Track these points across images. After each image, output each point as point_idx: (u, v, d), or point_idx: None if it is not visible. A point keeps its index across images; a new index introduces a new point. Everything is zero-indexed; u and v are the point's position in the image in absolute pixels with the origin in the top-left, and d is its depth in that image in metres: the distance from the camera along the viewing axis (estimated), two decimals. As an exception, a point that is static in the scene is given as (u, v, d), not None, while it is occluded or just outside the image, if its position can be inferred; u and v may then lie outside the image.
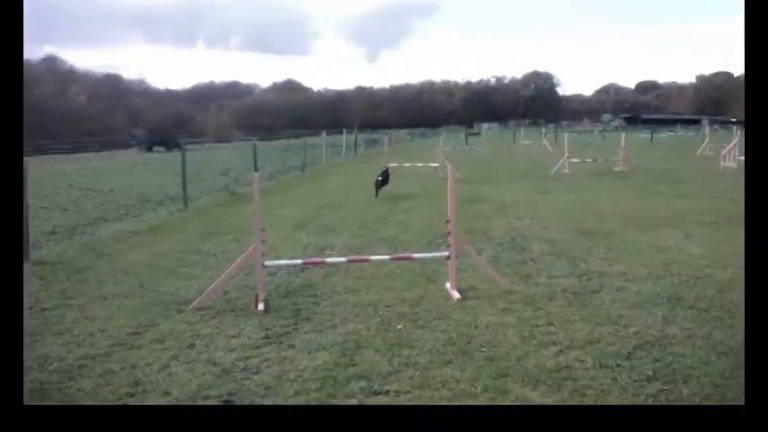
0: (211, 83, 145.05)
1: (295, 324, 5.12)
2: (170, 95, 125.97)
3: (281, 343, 4.68)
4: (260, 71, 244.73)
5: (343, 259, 6.62)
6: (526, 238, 8.63)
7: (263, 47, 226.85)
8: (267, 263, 5.85)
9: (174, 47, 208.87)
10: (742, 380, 3.82)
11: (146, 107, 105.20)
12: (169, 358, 4.43)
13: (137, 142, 53.26)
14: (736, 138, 20.98)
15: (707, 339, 4.54)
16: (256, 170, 17.00)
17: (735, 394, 3.65)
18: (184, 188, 13.35)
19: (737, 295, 5.62)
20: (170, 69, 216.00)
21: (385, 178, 14.78)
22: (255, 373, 4.13)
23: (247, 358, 4.38)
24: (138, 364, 4.34)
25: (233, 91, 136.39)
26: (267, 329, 4.98)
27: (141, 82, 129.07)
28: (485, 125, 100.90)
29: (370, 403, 3.67)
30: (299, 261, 6.56)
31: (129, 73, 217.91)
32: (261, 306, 5.50)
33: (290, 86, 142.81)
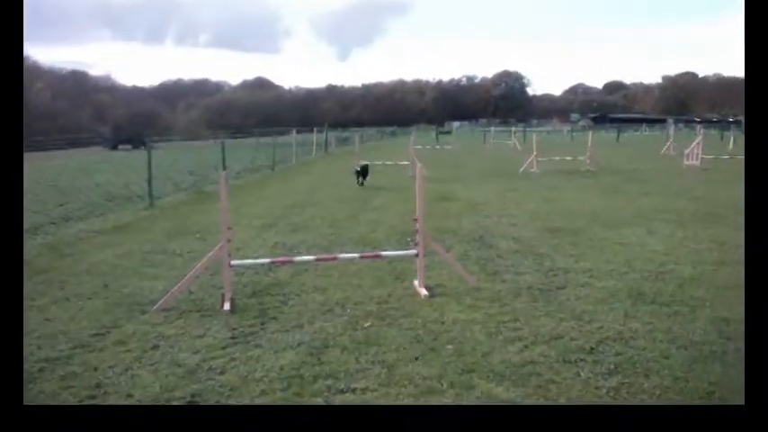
0: (180, 80, 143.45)
1: (262, 323, 5.08)
2: (137, 92, 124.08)
3: (248, 343, 4.65)
4: (230, 69, 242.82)
5: (311, 258, 6.59)
6: (494, 236, 8.71)
7: (233, 44, 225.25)
8: (234, 262, 5.80)
9: (141, 43, 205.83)
10: (700, 372, 3.94)
11: (112, 104, 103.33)
12: (132, 360, 4.36)
13: (102, 140, 52.19)
14: (699, 137, 21.48)
15: (667, 333, 4.64)
16: (225, 168, 16.81)
17: (694, 386, 3.74)
18: (150, 187, 13.14)
19: (697, 290, 5.78)
20: (137, 66, 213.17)
21: (364, 170, 16.46)
22: (221, 373, 4.09)
23: (212, 359, 4.34)
24: (100, 366, 4.26)
25: (202, 88, 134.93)
26: (233, 329, 4.93)
27: (108, 78, 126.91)
28: (455, 124, 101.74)
29: (337, 402, 3.66)
30: (266, 260, 6.51)
31: (95, 70, 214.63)
32: (227, 306, 5.45)
33: (261, 84, 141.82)
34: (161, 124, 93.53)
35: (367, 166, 16.83)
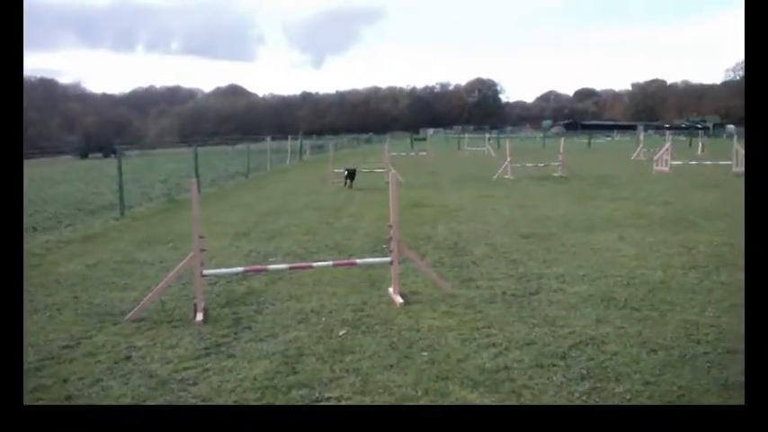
0: (151, 87, 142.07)
1: (235, 333, 5.03)
2: (107, 100, 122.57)
3: (221, 353, 4.60)
4: (202, 76, 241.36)
5: (284, 266, 6.55)
6: (469, 242, 8.76)
7: (205, 51, 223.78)
8: (206, 271, 5.73)
9: (112, 50, 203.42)
10: (670, 376, 4.00)
11: (82, 112, 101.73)
12: (103, 371, 4.28)
13: (71, 149, 51.30)
14: (668, 143, 21.90)
15: (638, 338, 4.71)
16: (198, 176, 16.65)
17: (664, 390, 3.79)
18: (121, 196, 12.95)
19: (667, 295, 5.87)
20: (108, 73, 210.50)
21: (352, 173, 17.89)
22: (193, 384, 4.04)
23: (185, 369, 4.28)
24: (70, 378, 4.17)
25: (174, 96, 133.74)
26: (206, 339, 4.87)
27: (77, 86, 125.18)
28: (430, 131, 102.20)
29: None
30: (239, 269, 6.45)
31: (64, 77, 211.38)
32: (200, 316, 5.38)
33: (234, 92, 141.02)
34: (132, 132, 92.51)
35: (355, 170, 18.28)
